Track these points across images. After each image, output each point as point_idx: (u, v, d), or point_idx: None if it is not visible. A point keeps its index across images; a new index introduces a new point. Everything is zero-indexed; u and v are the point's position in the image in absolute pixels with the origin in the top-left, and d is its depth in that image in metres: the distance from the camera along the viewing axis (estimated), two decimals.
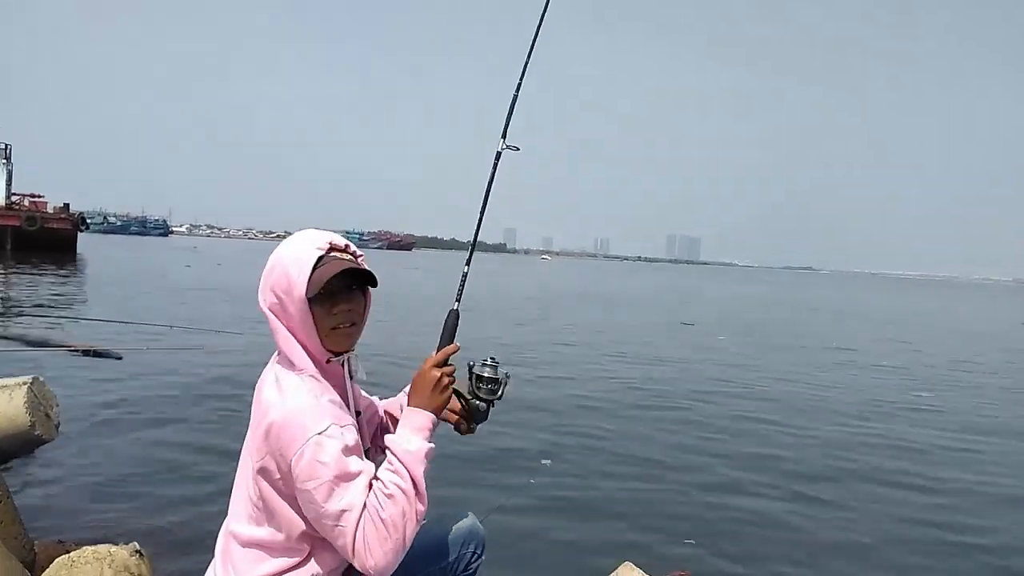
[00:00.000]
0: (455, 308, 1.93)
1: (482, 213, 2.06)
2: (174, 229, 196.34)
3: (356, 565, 1.58)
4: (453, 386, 1.79)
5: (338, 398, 1.71)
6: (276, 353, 1.77)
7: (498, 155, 2.10)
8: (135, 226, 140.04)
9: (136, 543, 2.63)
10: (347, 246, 1.76)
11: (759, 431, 7.12)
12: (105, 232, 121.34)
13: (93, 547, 2.53)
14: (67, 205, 42.67)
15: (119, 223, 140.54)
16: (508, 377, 1.87)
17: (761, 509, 4.84)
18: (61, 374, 7.47)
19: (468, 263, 1.99)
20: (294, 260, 1.67)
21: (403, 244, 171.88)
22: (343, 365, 1.78)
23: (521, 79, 2.24)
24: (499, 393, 1.85)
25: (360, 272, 1.73)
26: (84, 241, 43.28)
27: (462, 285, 1.96)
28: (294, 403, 1.61)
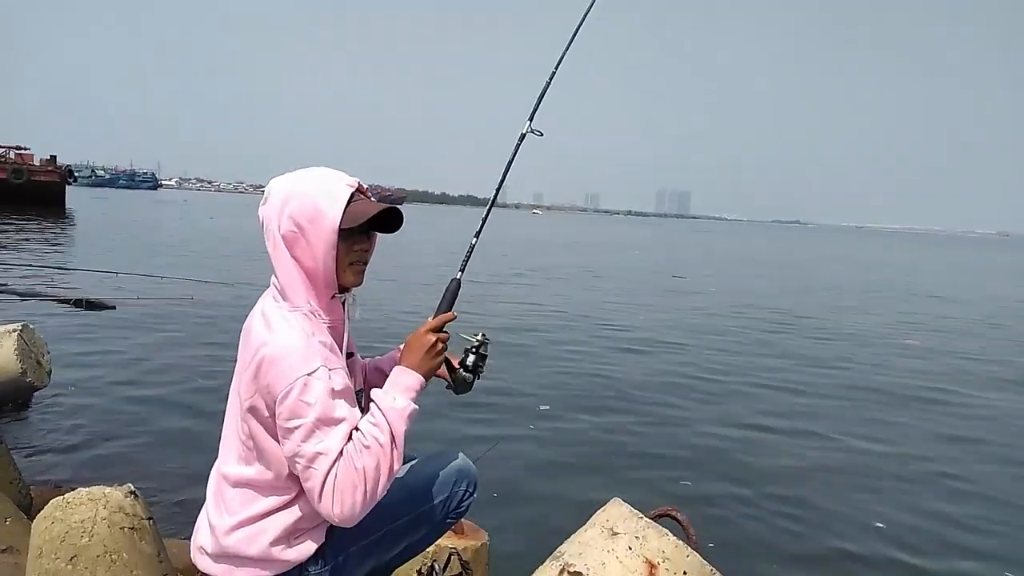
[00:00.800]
0: (458, 277, 1.92)
1: (497, 191, 2.06)
2: (163, 183, 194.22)
3: (320, 511, 1.57)
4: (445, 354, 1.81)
5: (330, 339, 1.70)
6: (268, 291, 1.75)
7: (522, 137, 2.10)
8: (123, 179, 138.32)
9: (131, 484, 2.63)
10: (367, 189, 1.79)
11: (750, 376, 7.21)
12: (93, 185, 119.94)
13: (88, 489, 2.53)
14: (54, 158, 42.02)
15: (107, 176, 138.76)
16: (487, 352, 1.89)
17: (751, 451, 4.93)
18: (53, 324, 7.46)
19: (478, 235, 1.97)
20: (325, 191, 1.68)
21: (394, 198, 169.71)
22: (343, 305, 1.79)
23: (557, 66, 2.21)
24: (483, 366, 1.88)
25: (392, 217, 1.75)
26: (72, 194, 42.81)
27: (468, 255, 1.94)
28: (285, 341, 1.59)
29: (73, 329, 7.45)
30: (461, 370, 1.86)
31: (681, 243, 47.99)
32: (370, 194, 1.81)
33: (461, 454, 2.02)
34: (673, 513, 2.12)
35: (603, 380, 6.73)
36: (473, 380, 1.88)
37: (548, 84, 2.18)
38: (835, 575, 3.49)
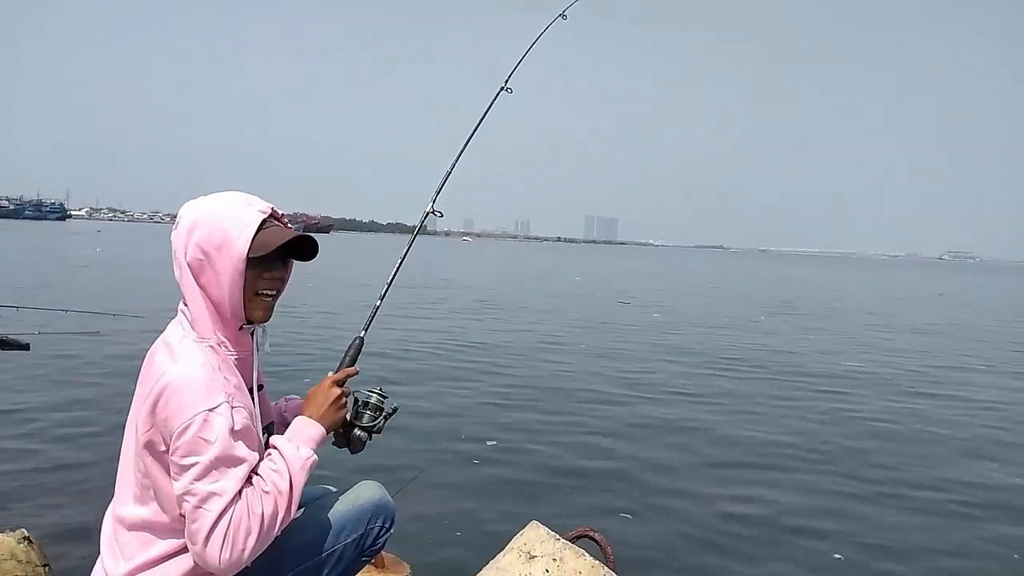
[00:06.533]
0: (361, 335, 1.98)
1: (402, 260, 2.13)
2: (72, 213, 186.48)
3: (203, 555, 1.50)
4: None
5: (236, 375, 1.66)
6: (175, 319, 1.70)
7: (425, 215, 2.28)
8: (29, 210, 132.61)
9: (24, 529, 2.49)
10: (283, 215, 1.77)
11: (694, 401, 7.33)
12: None
13: None
14: None
15: (12, 207, 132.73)
16: (395, 411, 1.89)
17: (688, 473, 4.99)
18: None
19: (382, 298, 2.07)
20: (233, 218, 1.64)
21: (320, 227, 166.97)
22: (252, 336, 1.75)
23: (458, 156, 2.39)
24: (379, 425, 1.88)
25: (306, 245, 1.74)
26: None
27: (372, 316, 2.03)
28: (188, 373, 1.54)
29: None
30: (356, 429, 1.86)
31: (618, 269, 48.90)
32: (287, 221, 1.80)
33: (378, 487, 1.97)
34: (591, 534, 2.14)
35: (550, 414, 6.64)
36: (368, 439, 1.88)
37: (450, 172, 2.35)
38: None
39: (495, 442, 5.46)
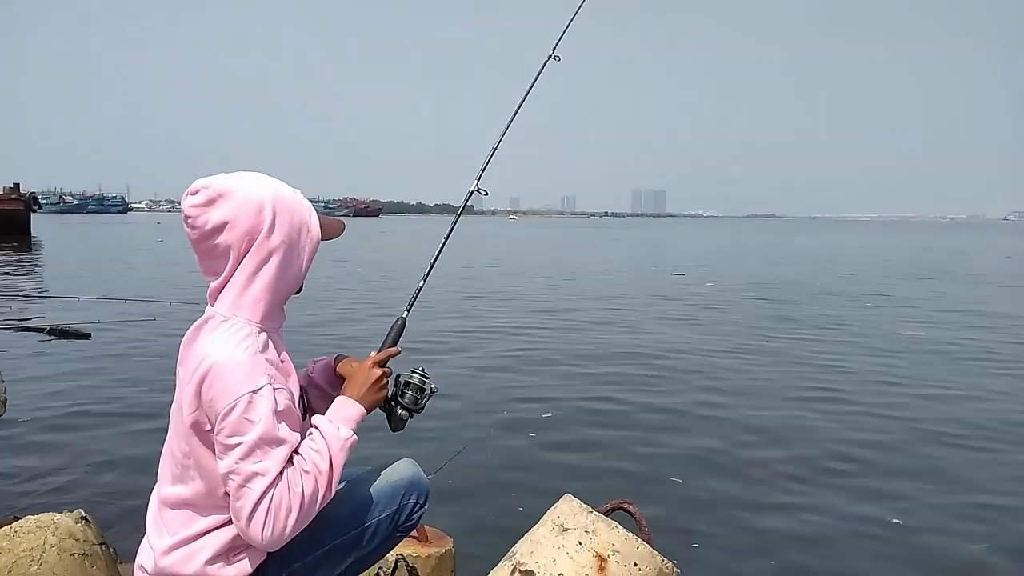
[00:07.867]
0: (404, 316, 1.97)
1: (446, 240, 2.12)
2: (133, 206, 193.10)
3: (247, 532, 1.55)
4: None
5: (276, 355, 1.67)
6: (215, 302, 1.67)
7: (470, 194, 2.27)
8: (92, 204, 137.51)
9: (81, 510, 2.58)
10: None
11: (748, 376, 7.26)
12: (61, 212, 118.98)
13: (36, 516, 2.48)
14: (16, 185, 41.24)
15: (75, 202, 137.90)
16: (434, 391, 1.89)
17: (741, 451, 4.92)
18: (10, 352, 7.37)
19: (425, 279, 2.04)
20: (300, 203, 1.70)
21: (369, 210, 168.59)
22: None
23: (504, 133, 2.37)
24: (421, 404, 1.88)
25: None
26: (38, 222, 42.16)
27: (415, 297, 2.02)
28: (231, 355, 1.56)
29: (29, 357, 7.36)
30: (399, 408, 1.87)
31: (669, 240, 48.46)
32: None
33: (412, 464, 1.99)
34: (625, 506, 2.12)
35: (586, 382, 6.70)
36: (408, 418, 1.89)
37: (496, 147, 2.32)
38: (791, 567, 3.43)
39: (549, 413, 5.54)
